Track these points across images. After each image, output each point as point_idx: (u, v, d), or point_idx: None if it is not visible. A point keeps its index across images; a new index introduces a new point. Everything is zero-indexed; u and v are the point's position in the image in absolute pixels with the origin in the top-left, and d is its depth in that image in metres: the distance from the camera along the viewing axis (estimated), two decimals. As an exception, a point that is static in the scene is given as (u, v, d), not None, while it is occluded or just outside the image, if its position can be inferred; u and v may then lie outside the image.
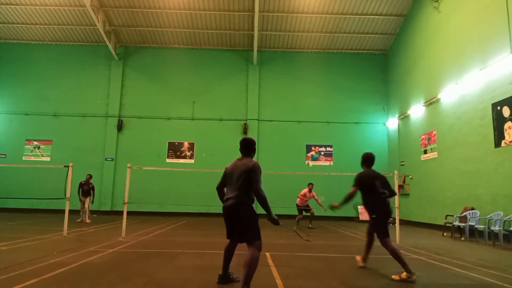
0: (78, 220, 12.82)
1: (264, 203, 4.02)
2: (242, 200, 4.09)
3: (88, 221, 12.95)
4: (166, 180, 17.26)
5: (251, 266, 3.92)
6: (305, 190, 13.01)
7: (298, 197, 13.03)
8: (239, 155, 4.42)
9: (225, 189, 4.40)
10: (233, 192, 4.15)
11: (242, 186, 4.10)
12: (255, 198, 4.14)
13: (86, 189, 13.18)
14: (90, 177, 13.45)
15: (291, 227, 12.97)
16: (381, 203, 5.44)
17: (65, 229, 8.75)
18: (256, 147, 4.49)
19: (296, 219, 12.77)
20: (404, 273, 4.97)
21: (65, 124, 18.16)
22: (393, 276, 5.07)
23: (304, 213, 13.04)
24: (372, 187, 5.43)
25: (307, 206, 12.99)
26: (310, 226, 12.81)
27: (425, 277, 5.26)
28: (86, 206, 13.07)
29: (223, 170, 4.45)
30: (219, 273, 4.54)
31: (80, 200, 13.16)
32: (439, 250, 7.91)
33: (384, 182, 5.51)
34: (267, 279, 4.86)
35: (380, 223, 5.43)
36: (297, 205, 12.95)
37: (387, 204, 5.50)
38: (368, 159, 5.71)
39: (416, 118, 15.37)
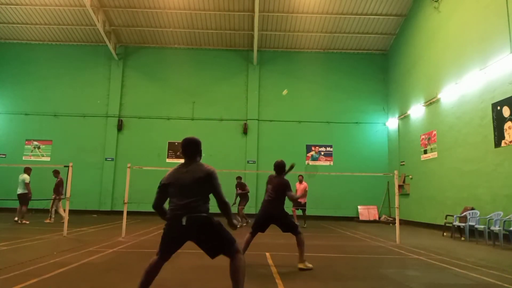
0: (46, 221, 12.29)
1: (228, 210, 3.51)
2: (202, 211, 3.40)
3: (48, 220, 12.35)
4: (166, 180, 17.23)
5: (243, 273, 3.40)
6: (296, 184, 13.27)
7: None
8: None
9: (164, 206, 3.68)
10: (184, 203, 3.38)
11: (199, 195, 3.41)
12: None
13: (55, 185, 12.59)
14: (57, 172, 12.79)
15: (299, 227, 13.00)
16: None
17: (65, 229, 8.74)
18: (201, 148, 3.67)
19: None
20: None
21: (65, 124, 18.16)
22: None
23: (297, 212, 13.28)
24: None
25: (303, 204, 13.11)
26: (304, 225, 13.06)
27: (425, 277, 5.26)
28: (56, 205, 12.51)
29: (164, 183, 3.60)
30: None
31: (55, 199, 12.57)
32: (439, 250, 7.91)
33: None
34: (267, 279, 4.86)
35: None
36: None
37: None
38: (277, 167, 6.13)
39: (416, 118, 15.37)
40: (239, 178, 13.29)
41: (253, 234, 5.83)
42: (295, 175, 13.51)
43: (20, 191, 11.95)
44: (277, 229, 5.90)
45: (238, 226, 3.77)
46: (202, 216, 3.38)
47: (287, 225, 5.85)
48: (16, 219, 11.82)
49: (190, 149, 3.58)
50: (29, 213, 15.81)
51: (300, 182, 13.43)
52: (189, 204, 3.37)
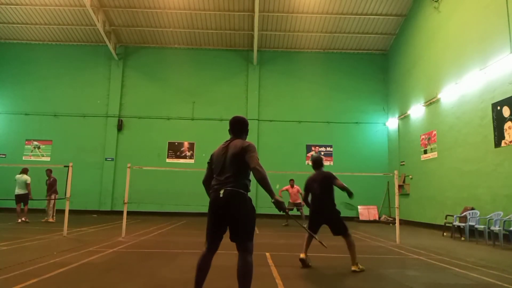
0: (43, 220, 12.44)
1: (264, 180, 3.27)
2: (237, 186, 3.37)
3: (52, 220, 12.45)
4: (166, 180, 17.26)
5: (249, 275, 3.28)
6: (287, 187, 13.54)
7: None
8: None
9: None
10: (223, 178, 3.42)
11: (235, 170, 3.40)
12: (249, 187, 3.51)
13: (48, 185, 12.66)
14: (50, 171, 12.88)
15: (291, 226, 12.97)
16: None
17: (65, 229, 8.74)
18: (248, 128, 3.79)
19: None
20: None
21: (65, 124, 18.16)
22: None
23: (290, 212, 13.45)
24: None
25: (299, 203, 13.28)
26: (285, 223, 13.32)
27: (425, 277, 5.26)
28: (51, 204, 12.59)
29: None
30: None
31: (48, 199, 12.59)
32: (439, 250, 7.91)
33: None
34: (267, 279, 4.86)
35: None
36: (289, 202, 13.45)
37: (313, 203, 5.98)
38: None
39: (416, 118, 15.37)
40: None
41: (311, 235, 5.41)
42: (286, 178, 13.70)
43: (21, 191, 12.03)
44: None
45: (287, 211, 3.47)
46: (234, 193, 3.35)
47: (338, 225, 5.76)
48: (19, 220, 11.89)
49: (237, 125, 3.69)
50: (31, 213, 15.84)
51: (292, 186, 13.50)
52: (227, 179, 3.39)
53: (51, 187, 12.79)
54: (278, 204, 3.33)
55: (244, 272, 3.27)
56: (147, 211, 16.92)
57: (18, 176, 12.20)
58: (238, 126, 3.69)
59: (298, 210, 13.22)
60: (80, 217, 14.61)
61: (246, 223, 3.37)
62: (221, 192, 3.35)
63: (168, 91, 18.61)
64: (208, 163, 3.73)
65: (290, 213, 13.33)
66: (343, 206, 5.87)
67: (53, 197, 12.69)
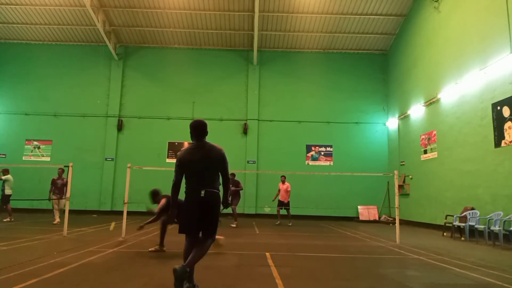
0: (55, 223, 11.58)
1: (228, 190, 4.11)
2: (215, 187, 3.97)
3: (58, 221, 11.68)
4: (166, 180, 17.14)
5: (203, 250, 3.88)
6: (279, 184, 13.66)
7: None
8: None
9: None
10: (203, 182, 3.90)
11: (214, 173, 3.97)
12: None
13: (60, 184, 11.94)
14: (63, 171, 12.15)
15: (291, 226, 12.96)
16: None
17: (65, 229, 8.74)
18: (207, 129, 4.15)
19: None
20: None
21: (65, 124, 18.15)
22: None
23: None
24: None
25: (287, 203, 13.39)
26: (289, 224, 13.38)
27: (425, 277, 5.26)
28: (62, 205, 11.84)
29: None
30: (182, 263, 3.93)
31: (52, 199, 11.90)
32: (439, 250, 7.92)
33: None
34: (267, 279, 4.86)
35: None
36: (278, 201, 13.56)
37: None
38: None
39: (416, 118, 15.37)
40: (232, 175, 12.86)
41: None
42: (286, 178, 13.77)
43: (10, 191, 12.49)
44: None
45: (234, 226, 4.33)
46: (216, 196, 3.95)
47: None
48: (8, 219, 12.11)
49: (201, 129, 4.04)
50: (31, 213, 15.86)
51: (283, 182, 13.64)
52: (208, 182, 3.91)
53: (63, 187, 12.02)
54: (227, 205, 4.11)
55: (203, 247, 3.87)
56: (147, 211, 16.90)
57: (3, 176, 12.59)
58: (200, 130, 4.04)
59: (285, 209, 13.26)
60: (80, 217, 14.60)
61: (217, 217, 4.03)
62: (202, 192, 3.86)
63: (168, 91, 18.61)
64: (177, 165, 3.98)
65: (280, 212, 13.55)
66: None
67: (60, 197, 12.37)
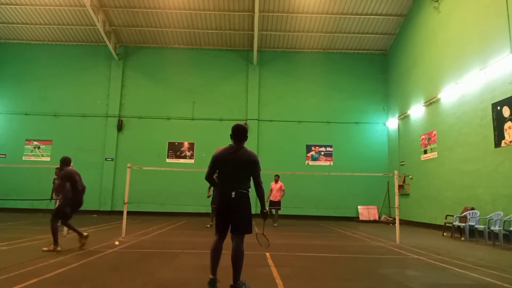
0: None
1: (263, 196, 4.24)
2: (245, 189, 4.19)
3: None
4: (166, 180, 17.26)
5: (241, 260, 4.08)
6: (272, 183, 13.37)
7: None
8: None
9: (214, 176, 4.37)
10: (234, 183, 4.16)
11: (244, 178, 4.20)
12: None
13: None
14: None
15: (290, 226, 12.95)
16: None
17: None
18: (248, 134, 4.43)
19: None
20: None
21: (65, 124, 18.15)
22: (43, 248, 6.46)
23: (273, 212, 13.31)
24: None
25: (277, 203, 13.15)
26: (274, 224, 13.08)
27: (425, 277, 5.26)
28: None
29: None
30: (210, 276, 4.14)
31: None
32: (439, 250, 7.92)
33: None
34: (267, 279, 4.86)
35: None
36: (270, 200, 13.22)
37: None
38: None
39: (416, 118, 15.37)
40: None
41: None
42: (286, 178, 13.47)
43: None
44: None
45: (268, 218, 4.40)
46: (242, 196, 4.15)
47: None
48: None
49: (241, 134, 4.27)
50: (31, 213, 15.85)
51: (276, 181, 13.40)
52: (237, 183, 4.15)
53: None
54: (265, 215, 4.29)
55: (239, 256, 4.07)
56: (147, 211, 16.92)
57: None
58: (242, 134, 4.28)
59: (274, 209, 13.00)
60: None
61: (248, 217, 4.17)
62: (233, 193, 4.12)
63: (168, 91, 18.61)
64: (212, 162, 4.27)
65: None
66: None
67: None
